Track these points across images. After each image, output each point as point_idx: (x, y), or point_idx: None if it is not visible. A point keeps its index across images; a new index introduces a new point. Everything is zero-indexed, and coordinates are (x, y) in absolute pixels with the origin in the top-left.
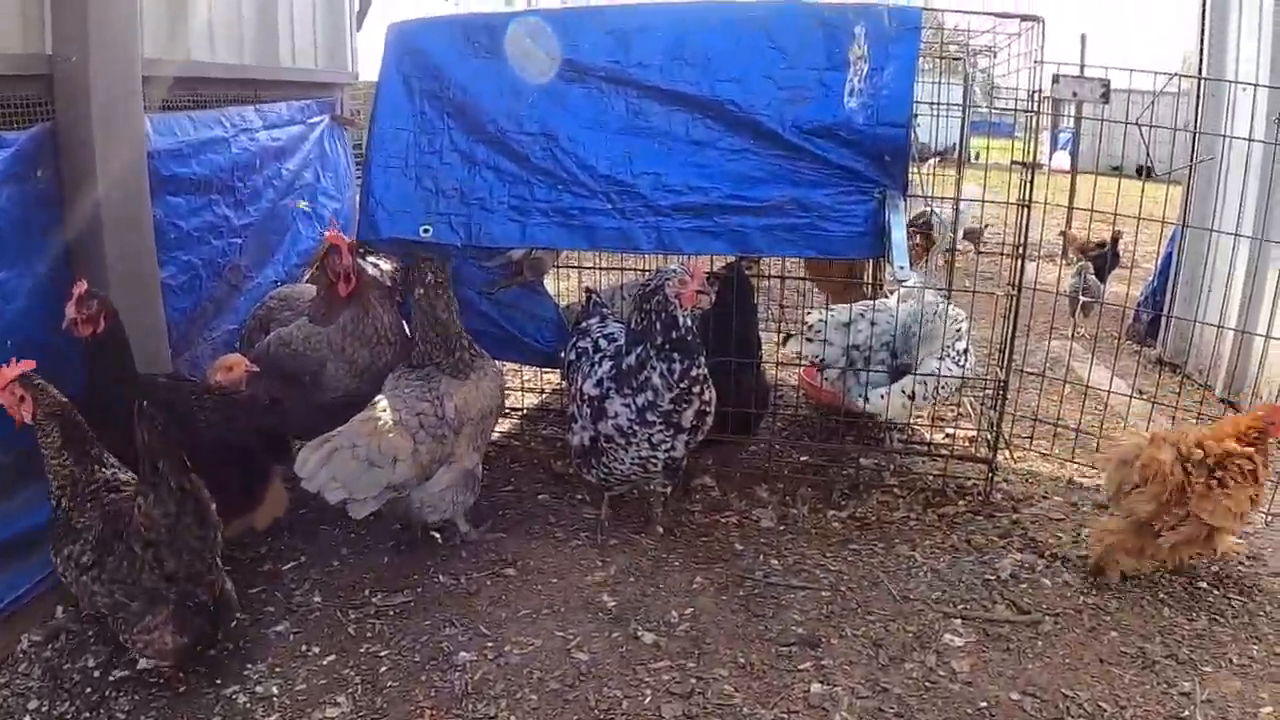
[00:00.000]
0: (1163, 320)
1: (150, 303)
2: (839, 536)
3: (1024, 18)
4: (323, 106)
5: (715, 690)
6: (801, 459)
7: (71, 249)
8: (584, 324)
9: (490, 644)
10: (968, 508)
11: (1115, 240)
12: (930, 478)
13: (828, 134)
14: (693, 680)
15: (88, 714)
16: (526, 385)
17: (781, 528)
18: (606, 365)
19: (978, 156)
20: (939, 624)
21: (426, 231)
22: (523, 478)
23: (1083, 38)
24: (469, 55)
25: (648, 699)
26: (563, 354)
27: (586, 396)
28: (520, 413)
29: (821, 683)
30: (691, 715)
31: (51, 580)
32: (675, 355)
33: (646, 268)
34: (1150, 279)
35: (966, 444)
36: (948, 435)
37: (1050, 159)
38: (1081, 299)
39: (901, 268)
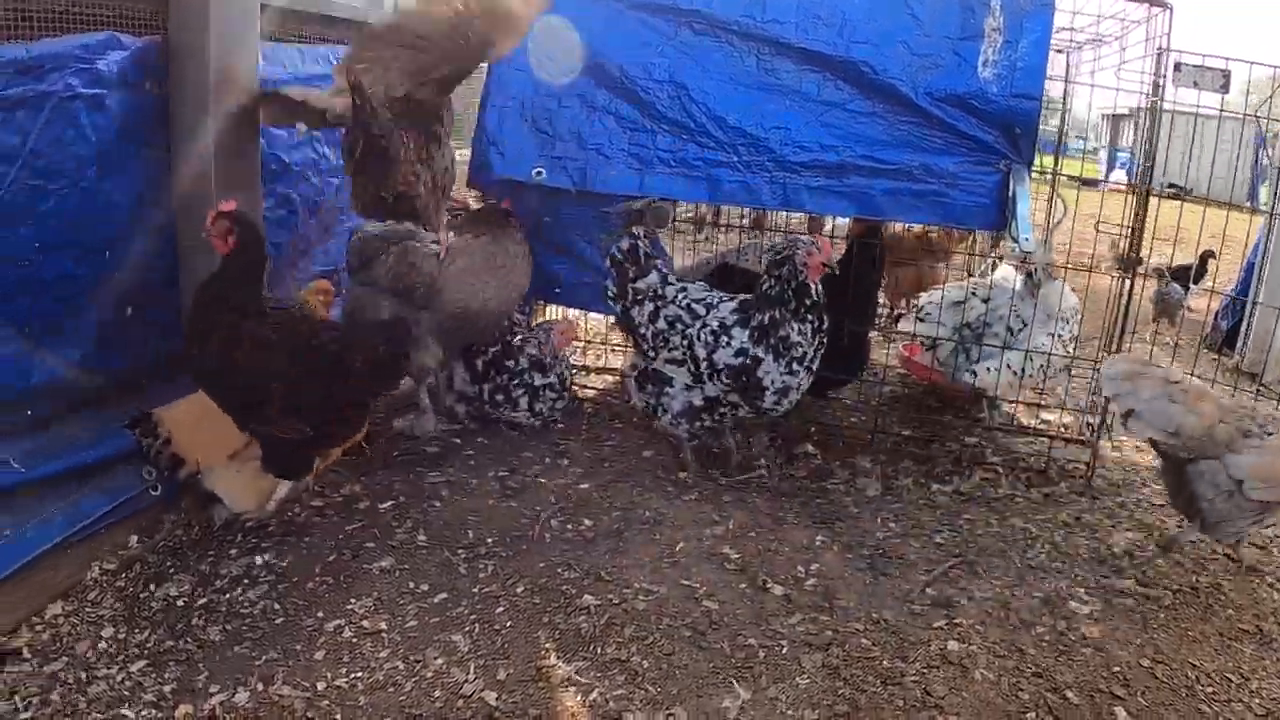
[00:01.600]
0: (1242, 329)
1: None
2: (947, 508)
3: (1151, 3)
4: None
5: (853, 644)
6: (903, 433)
7: (175, 167)
8: (644, 284)
9: (613, 589)
10: (1071, 489)
11: (1205, 259)
12: (1031, 459)
13: (960, 103)
14: (829, 633)
15: (171, 642)
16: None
17: (889, 496)
18: (739, 334)
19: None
20: (1064, 591)
21: (539, 174)
22: (624, 434)
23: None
24: (595, 2)
25: (785, 649)
26: (631, 314)
27: (724, 366)
28: (616, 370)
29: (958, 641)
30: (833, 666)
31: (125, 509)
32: (809, 317)
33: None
34: (1230, 289)
35: (1062, 428)
36: (1043, 421)
37: (1108, 176)
38: (1169, 299)
39: (1026, 239)
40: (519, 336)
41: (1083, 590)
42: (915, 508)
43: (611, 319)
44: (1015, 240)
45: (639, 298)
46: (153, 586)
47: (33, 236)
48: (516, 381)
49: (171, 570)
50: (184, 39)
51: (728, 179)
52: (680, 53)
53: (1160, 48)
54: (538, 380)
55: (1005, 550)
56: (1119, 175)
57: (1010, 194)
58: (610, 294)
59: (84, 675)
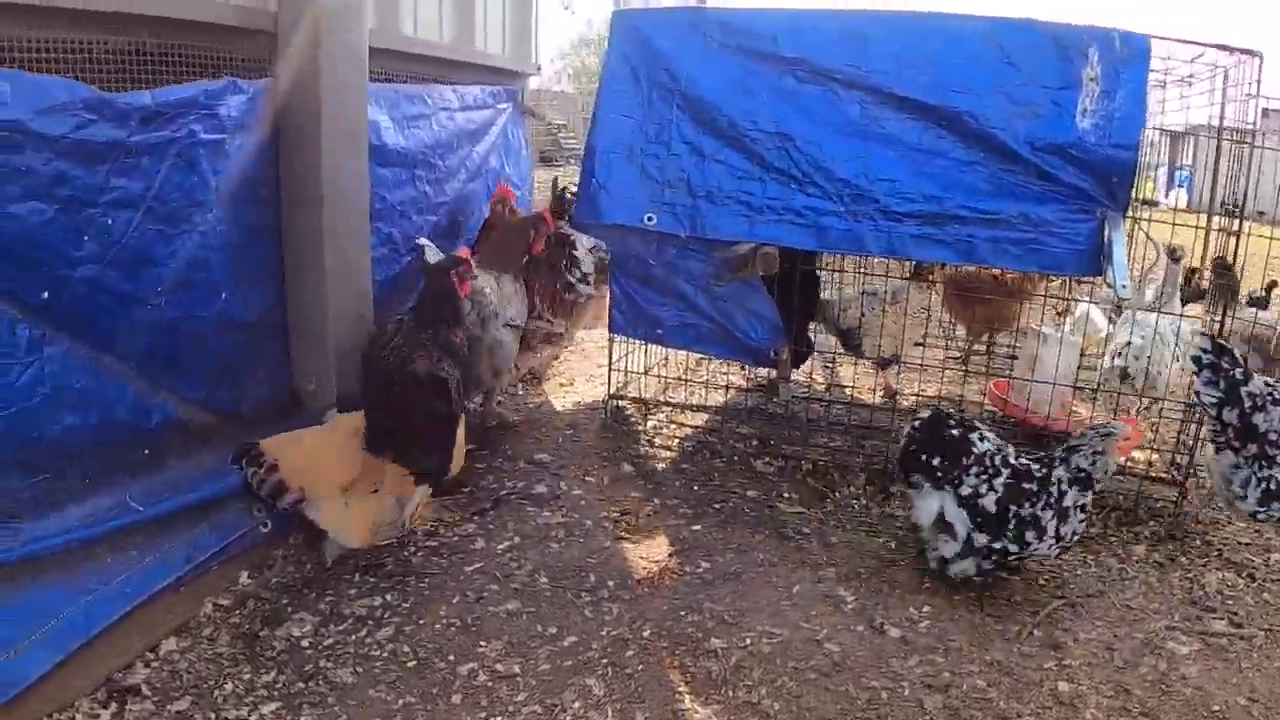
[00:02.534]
0: None
1: (362, 268)
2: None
3: (1243, 51)
4: (508, 94)
5: (969, 685)
6: None
7: (285, 209)
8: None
9: (736, 632)
10: (1160, 528)
11: (1270, 288)
12: (1120, 496)
13: (1059, 151)
14: (946, 674)
15: (301, 684)
16: (717, 381)
17: None
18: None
19: None
20: (1162, 632)
21: (650, 220)
22: (726, 474)
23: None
24: (699, 48)
25: (906, 691)
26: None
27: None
28: (714, 409)
29: (1067, 681)
30: (953, 708)
31: (236, 546)
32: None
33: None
34: None
35: (1148, 466)
36: (1129, 459)
37: (1166, 196)
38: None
39: (1124, 286)
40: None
41: (1180, 631)
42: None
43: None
44: (1112, 286)
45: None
46: (272, 625)
47: (155, 279)
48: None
49: (289, 609)
50: (295, 82)
51: (835, 227)
52: (785, 101)
53: (1249, 93)
54: (1072, 498)
55: (1104, 591)
56: (1179, 194)
57: (1106, 241)
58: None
59: (213, 716)
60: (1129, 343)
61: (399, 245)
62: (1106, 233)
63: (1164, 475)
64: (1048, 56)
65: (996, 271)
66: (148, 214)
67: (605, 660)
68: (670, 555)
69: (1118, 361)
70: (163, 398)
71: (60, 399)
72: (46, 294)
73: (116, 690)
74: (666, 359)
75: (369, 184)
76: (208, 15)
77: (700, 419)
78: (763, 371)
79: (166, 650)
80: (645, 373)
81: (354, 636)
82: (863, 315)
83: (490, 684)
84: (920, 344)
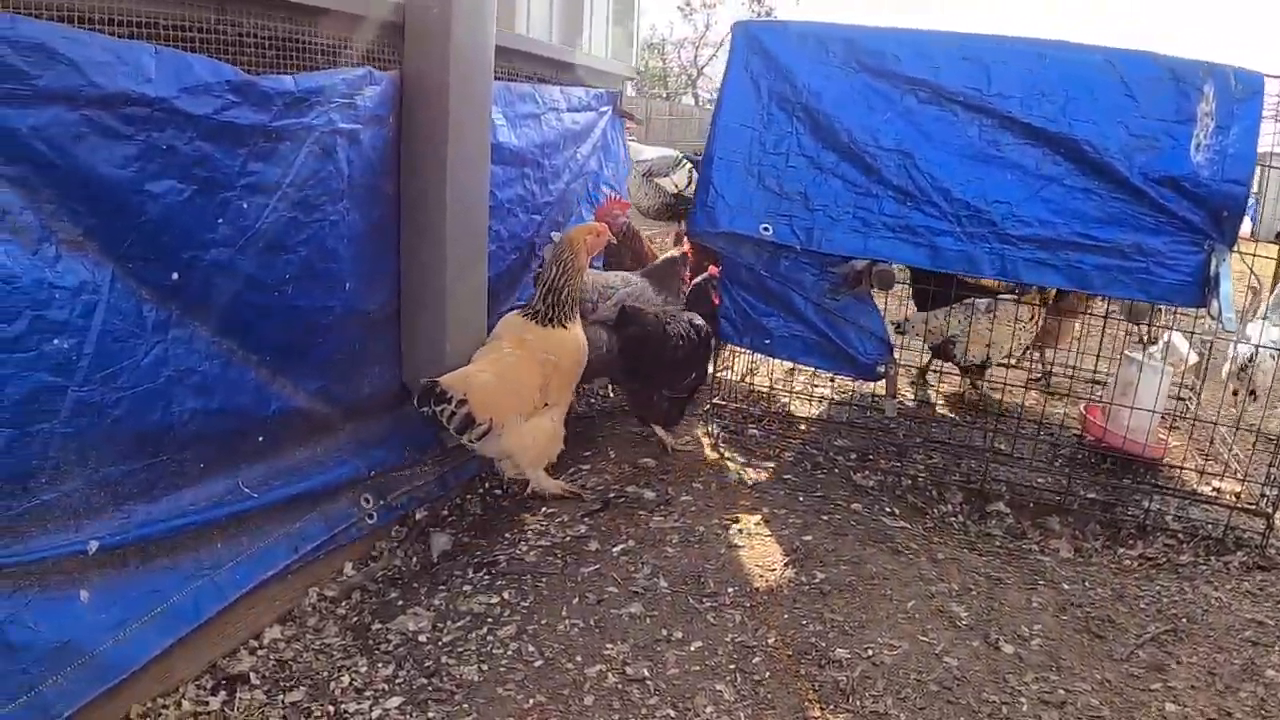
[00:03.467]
0: None
1: (479, 264)
2: (1139, 573)
3: None
4: (609, 96)
5: (1084, 703)
6: (1089, 496)
7: (408, 203)
8: None
9: (857, 643)
10: (1248, 558)
11: None
12: (1209, 526)
13: (1172, 184)
14: (1061, 692)
15: (424, 680)
16: (810, 393)
17: (1080, 559)
18: None
19: None
20: (1259, 659)
21: (767, 230)
22: (828, 486)
23: None
24: (822, 64)
25: (1025, 707)
26: None
27: None
28: (814, 421)
29: (1174, 703)
30: None
31: (342, 537)
32: None
33: None
34: None
35: (1235, 497)
36: (1215, 490)
37: None
38: None
39: (1229, 318)
40: None
41: (1275, 657)
42: (1110, 571)
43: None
44: (1216, 319)
45: None
46: (384, 619)
47: (285, 267)
48: None
49: (399, 602)
50: (423, 75)
51: (949, 247)
52: (905, 120)
53: None
54: None
55: (1203, 616)
56: (1244, 223)
57: (1213, 274)
58: None
59: (332, 709)
60: (1251, 358)
61: (505, 243)
62: (1214, 266)
63: (1251, 506)
64: (1165, 90)
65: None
66: (283, 200)
67: (733, 666)
68: (785, 564)
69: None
70: (281, 386)
71: (183, 382)
72: (176, 275)
73: (225, 678)
74: (753, 369)
75: (489, 181)
76: (335, 3)
77: (798, 430)
78: (858, 385)
79: (271, 639)
80: (742, 379)
81: (474, 634)
82: (960, 323)
83: (621, 686)
84: (1005, 363)
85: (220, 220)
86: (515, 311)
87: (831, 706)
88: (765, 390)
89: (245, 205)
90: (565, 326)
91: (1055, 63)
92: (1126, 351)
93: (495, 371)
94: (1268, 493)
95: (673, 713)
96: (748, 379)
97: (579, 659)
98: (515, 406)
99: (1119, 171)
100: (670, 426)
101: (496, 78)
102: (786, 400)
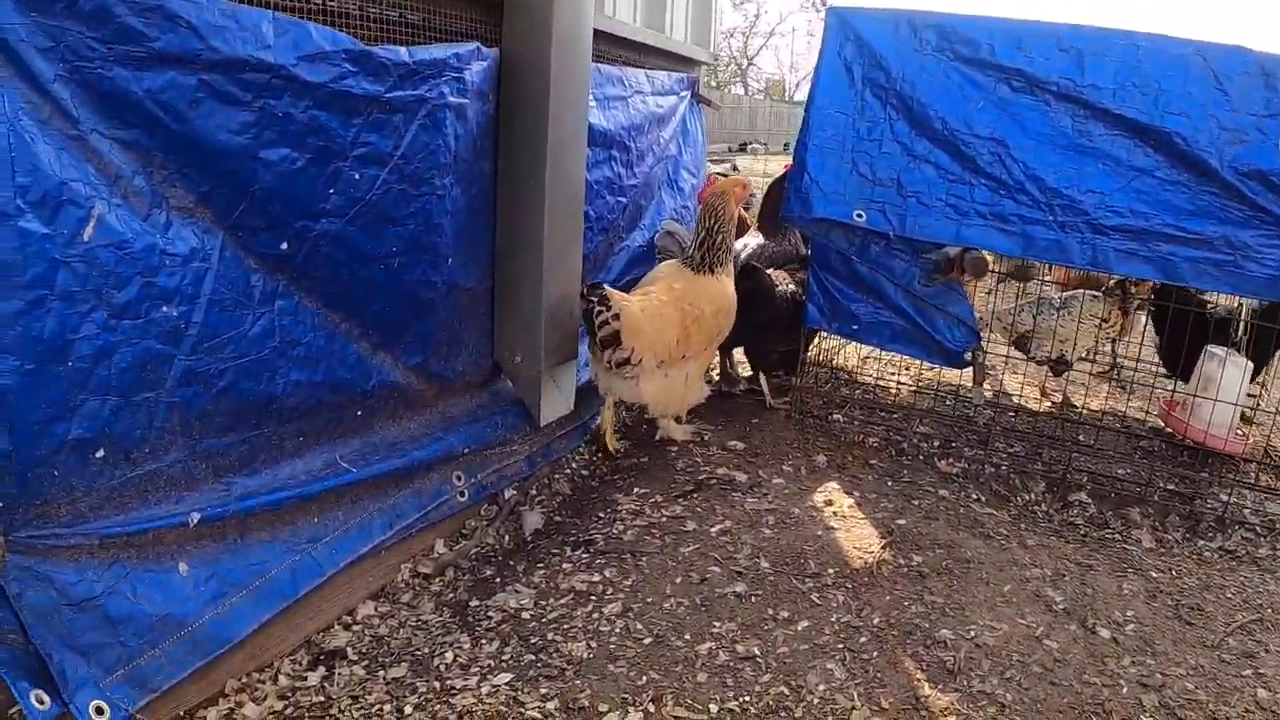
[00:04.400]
0: None
1: (576, 244)
2: (1219, 565)
3: None
4: (689, 81)
5: (1179, 687)
6: (1168, 488)
7: (505, 181)
8: None
9: (959, 625)
10: None
11: None
12: None
13: (1261, 178)
14: (1158, 676)
15: (531, 656)
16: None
17: (1162, 550)
18: None
19: None
20: None
21: (860, 216)
22: (915, 471)
23: None
24: (916, 51)
25: (1125, 689)
26: None
27: None
28: (895, 408)
29: (1266, 689)
30: (1168, 706)
31: (435, 514)
32: None
33: None
34: None
35: None
36: None
37: None
38: None
39: None
40: None
41: None
42: (1193, 562)
43: (898, 357)
44: None
45: None
46: (482, 596)
47: (394, 240)
48: None
49: (496, 580)
50: (525, 53)
51: (1042, 236)
52: (999, 109)
53: None
54: None
55: None
56: None
57: None
58: None
59: (438, 685)
60: None
61: (593, 224)
62: None
63: None
64: (1255, 84)
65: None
66: (394, 172)
67: (841, 645)
68: (882, 547)
69: None
70: (382, 360)
71: (287, 354)
72: (286, 245)
73: (321, 653)
74: (834, 356)
75: (585, 161)
76: None
77: (880, 417)
78: (938, 374)
79: (364, 615)
80: (826, 364)
81: (580, 611)
82: (1036, 319)
83: (732, 664)
84: (1085, 357)
85: (332, 190)
86: (672, 260)
87: (940, 686)
88: (848, 377)
89: (357, 176)
90: (715, 274)
91: (1148, 54)
92: (1209, 347)
93: (643, 307)
94: None
95: (786, 690)
96: (832, 365)
97: (688, 637)
98: (653, 347)
99: (1209, 164)
100: (771, 373)
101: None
102: (870, 386)
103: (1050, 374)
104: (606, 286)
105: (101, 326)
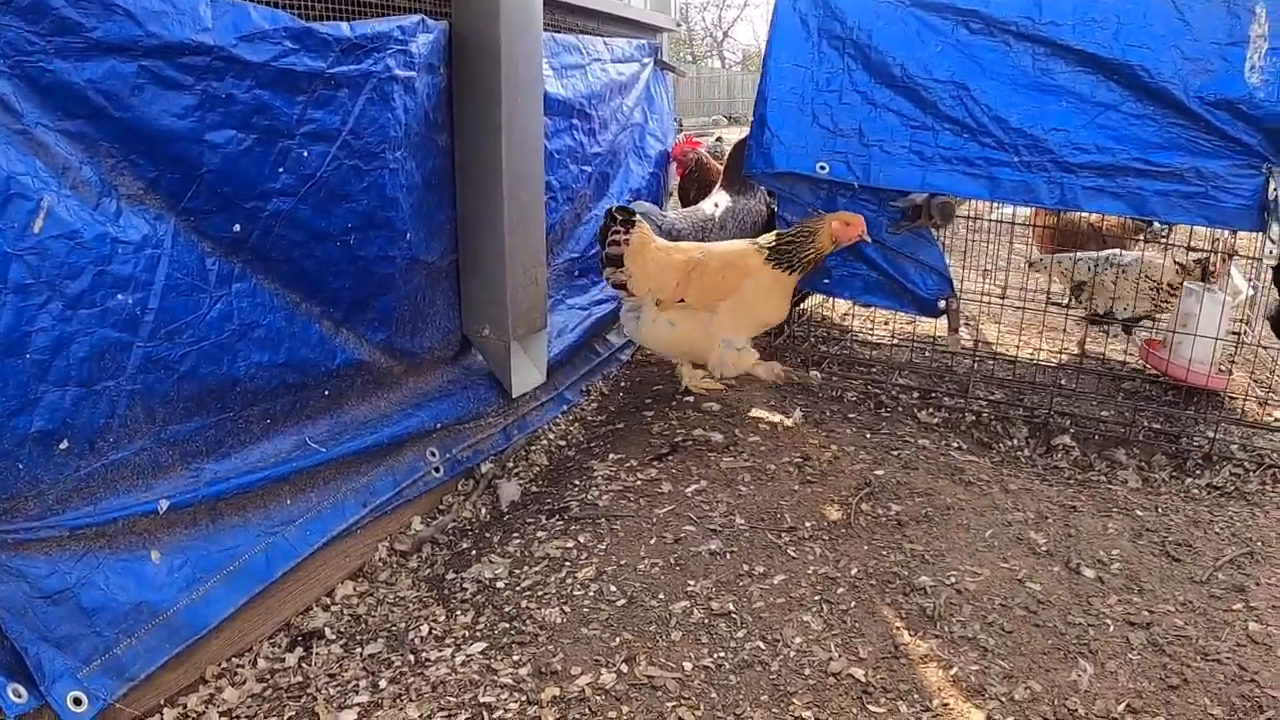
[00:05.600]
0: None
1: (537, 215)
2: (1208, 501)
3: None
4: (652, 48)
5: (1168, 623)
6: (1153, 427)
7: (462, 154)
8: None
9: (939, 571)
10: None
11: None
12: (1274, 455)
13: (1228, 106)
14: (1146, 613)
15: (505, 624)
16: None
17: (1149, 489)
18: None
19: None
20: None
21: (823, 168)
22: (894, 423)
23: None
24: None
25: (1111, 628)
26: None
27: None
28: (874, 361)
29: (1257, 622)
30: (1156, 643)
31: (410, 491)
32: None
33: None
34: None
35: None
36: (1277, 418)
37: None
38: None
39: None
40: None
41: None
42: (1180, 499)
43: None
44: (1275, 242)
45: None
46: (458, 569)
47: (348, 216)
48: None
49: (472, 552)
50: (474, 25)
51: (1008, 178)
52: (958, 52)
53: None
54: None
55: (1277, 540)
56: None
57: (1271, 197)
58: None
59: (412, 658)
60: None
61: (557, 193)
62: (1273, 189)
63: None
64: (1217, 13)
65: (1095, 219)
66: (343, 148)
67: (818, 597)
68: (860, 499)
69: None
70: (346, 338)
71: (247, 336)
72: (239, 227)
73: (300, 635)
74: (807, 312)
75: (542, 130)
76: None
77: (859, 371)
78: (916, 325)
79: (343, 595)
80: (803, 322)
81: (553, 577)
82: (1094, 275)
83: (707, 621)
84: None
85: (281, 169)
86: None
87: (920, 633)
88: (826, 334)
89: (306, 153)
90: (774, 266)
91: None
92: (1186, 283)
93: (658, 245)
94: None
95: (762, 644)
96: (809, 322)
97: (662, 596)
98: (650, 281)
99: (1174, 95)
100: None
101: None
102: (847, 340)
103: (1122, 331)
104: (638, 212)
105: (57, 318)
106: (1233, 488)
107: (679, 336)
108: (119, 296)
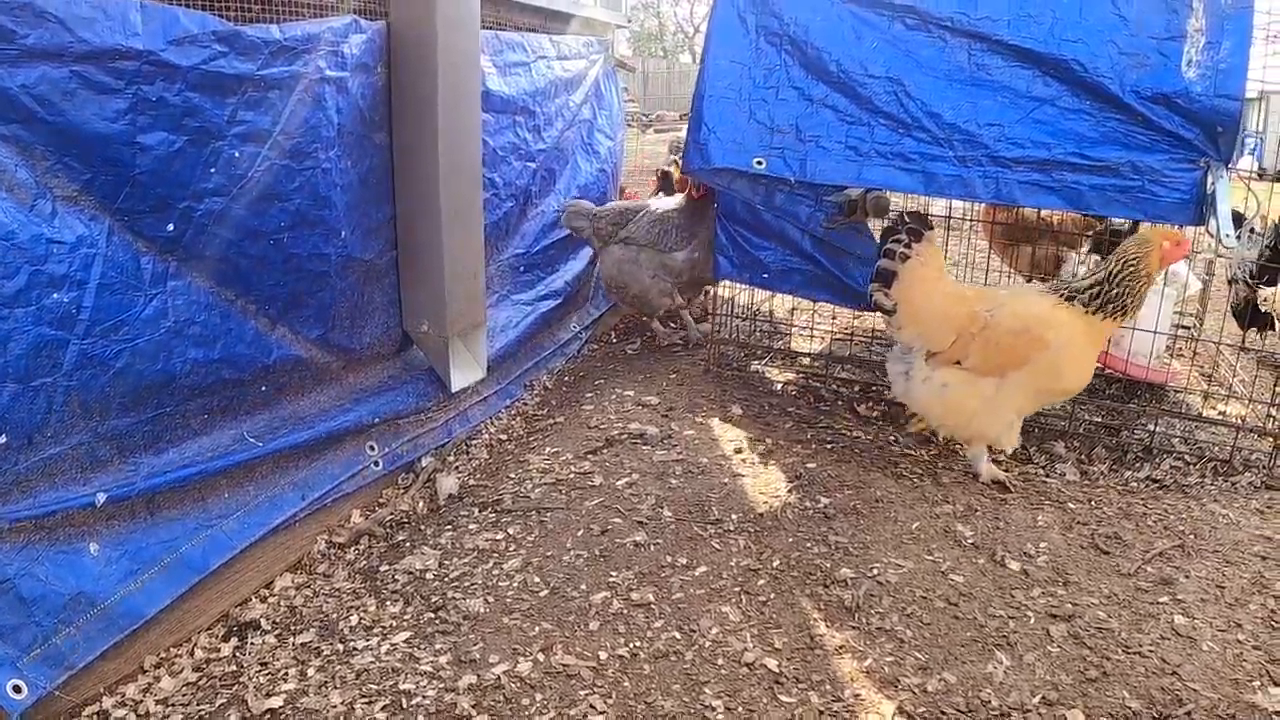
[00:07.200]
0: None
1: (474, 211)
2: (1145, 494)
3: None
4: (601, 45)
5: (1091, 615)
6: (1095, 420)
7: (400, 152)
8: None
9: (862, 564)
10: (1256, 479)
11: None
12: (1215, 448)
13: (1165, 101)
14: (1069, 606)
15: (430, 614)
16: (813, 329)
17: (1086, 482)
18: None
19: None
20: (1268, 574)
21: (760, 164)
22: (832, 416)
23: None
24: None
25: (1032, 620)
26: None
27: None
28: (816, 356)
29: (1183, 615)
30: (1077, 636)
31: (349, 485)
32: None
33: None
34: None
35: (1241, 419)
36: (1221, 413)
37: (1236, 161)
38: None
39: (1228, 235)
40: None
41: None
42: (1116, 492)
43: (813, 304)
44: (1215, 236)
45: None
46: (392, 561)
47: (280, 215)
48: None
49: (407, 544)
50: (410, 24)
51: (943, 173)
52: (894, 48)
53: None
54: None
55: (1210, 533)
56: (1246, 161)
57: (1210, 191)
58: None
59: (340, 647)
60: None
61: (500, 190)
62: (1210, 183)
63: (1258, 428)
64: (1155, 7)
65: (1045, 214)
66: (274, 149)
67: (738, 589)
68: (789, 491)
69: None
70: (281, 335)
71: (183, 333)
72: (172, 226)
73: (237, 625)
74: (755, 306)
75: (480, 127)
76: None
77: (801, 365)
78: (859, 321)
79: (281, 587)
80: (748, 318)
81: (480, 569)
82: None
83: (626, 611)
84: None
85: (213, 170)
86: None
87: (837, 624)
88: (768, 327)
89: (237, 154)
90: (1094, 316)
91: None
92: None
93: (940, 275)
94: (1274, 414)
95: (678, 635)
96: (750, 317)
97: (583, 587)
98: (919, 317)
99: (1110, 90)
100: None
101: (485, 27)
102: (788, 337)
103: None
104: (929, 231)
105: None
106: (1172, 480)
107: (953, 404)
108: (55, 295)
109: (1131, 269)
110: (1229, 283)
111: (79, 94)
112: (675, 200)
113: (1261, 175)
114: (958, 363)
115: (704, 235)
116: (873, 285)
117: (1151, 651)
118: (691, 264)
